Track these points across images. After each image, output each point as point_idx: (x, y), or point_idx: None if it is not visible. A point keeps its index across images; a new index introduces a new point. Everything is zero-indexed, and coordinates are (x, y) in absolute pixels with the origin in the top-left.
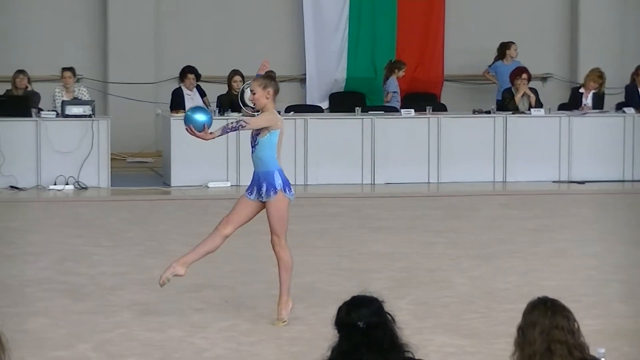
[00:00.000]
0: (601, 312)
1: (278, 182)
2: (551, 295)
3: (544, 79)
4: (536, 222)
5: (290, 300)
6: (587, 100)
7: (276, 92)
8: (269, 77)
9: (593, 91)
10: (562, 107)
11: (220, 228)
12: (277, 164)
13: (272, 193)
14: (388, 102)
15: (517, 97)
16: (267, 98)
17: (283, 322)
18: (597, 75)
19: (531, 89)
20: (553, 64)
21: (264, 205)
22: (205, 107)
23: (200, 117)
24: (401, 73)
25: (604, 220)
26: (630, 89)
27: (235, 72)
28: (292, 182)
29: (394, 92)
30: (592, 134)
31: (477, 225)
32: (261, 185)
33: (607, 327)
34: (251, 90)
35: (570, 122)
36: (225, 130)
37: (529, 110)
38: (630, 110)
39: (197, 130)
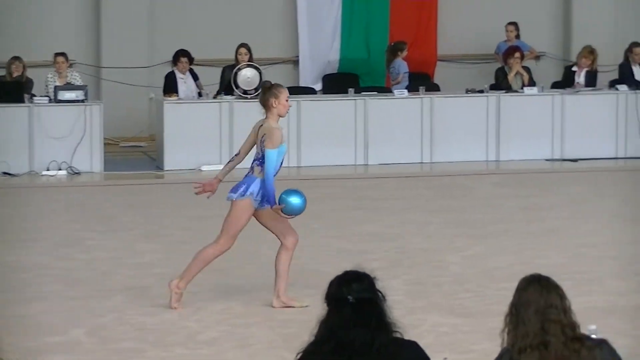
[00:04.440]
0: (595, 289)
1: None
2: (545, 273)
3: (537, 57)
4: (529, 201)
5: None
6: (580, 78)
7: None
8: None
9: (586, 69)
10: (555, 85)
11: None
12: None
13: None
14: (399, 83)
15: (511, 76)
16: None
17: None
18: (588, 52)
19: (524, 67)
20: (546, 43)
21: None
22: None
23: (295, 200)
24: (404, 53)
25: (597, 197)
26: (623, 68)
27: (242, 45)
28: (285, 164)
29: (405, 72)
30: (585, 112)
31: (470, 204)
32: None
33: (600, 303)
34: (287, 99)
35: (563, 100)
36: None
37: (522, 88)
38: (623, 88)
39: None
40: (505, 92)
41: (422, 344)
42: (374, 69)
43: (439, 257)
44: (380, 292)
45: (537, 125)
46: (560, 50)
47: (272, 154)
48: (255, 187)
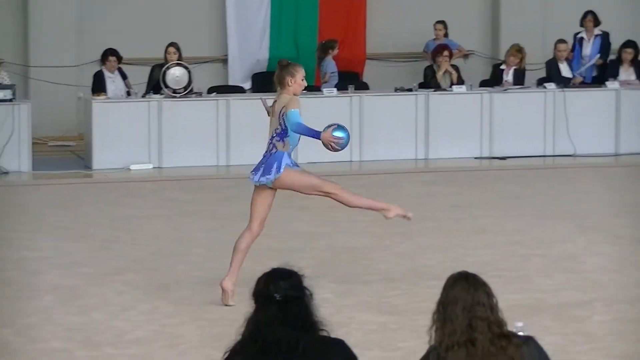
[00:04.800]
0: (523, 287)
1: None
2: (473, 271)
3: (465, 56)
4: (458, 199)
5: None
6: (508, 76)
7: None
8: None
9: (514, 67)
10: (484, 83)
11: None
12: None
13: None
14: (326, 82)
15: (439, 74)
16: None
17: None
18: (516, 50)
19: (453, 65)
20: (475, 41)
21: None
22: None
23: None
24: (335, 51)
25: (525, 195)
26: (550, 64)
27: (171, 44)
28: (212, 162)
29: (332, 72)
30: (513, 110)
31: (399, 202)
32: None
33: (528, 301)
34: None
35: (492, 98)
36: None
37: (451, 87)
38: (550, 86)
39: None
40: (434, 91)
41: (350, 342)
42: (303, 68)
43: (368, 255)
44: (307, 290)
45: (466, 124)
46: (489, 48)
47: (295, 113)
48: (286, 160)
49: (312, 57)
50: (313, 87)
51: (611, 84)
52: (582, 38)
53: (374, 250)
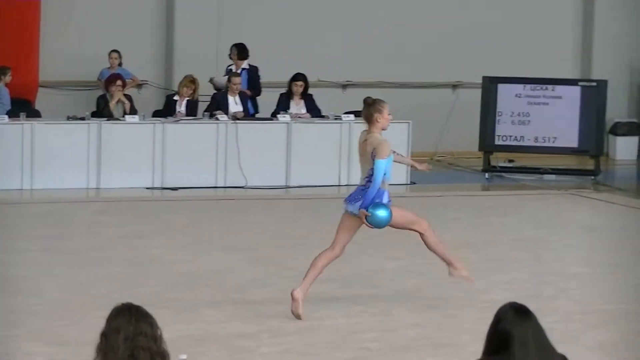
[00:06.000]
0: (190, 318)
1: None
2: (140, 302)
3: (139, 85)
4: (129, 229)
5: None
6: (181, 107)
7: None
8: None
9: (187, 98)
10: (157, 114)
11: None
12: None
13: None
14: None
15: (112, 104)
16: None
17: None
18: (190, 81)
19: (126, 95)
20: (149, 71)
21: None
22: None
23: (382, 213)
24: (8, 78)
25: (196, 226)
26: (215, 98)
27: None
28: None
29: (4, 100)
30: (185, 141)
31: (70, 232)
32: None
33: (195, 332)
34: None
35: (164, 128)
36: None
37: (124, 116)
38: (223, 117)
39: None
40: (107, 120)
41: None
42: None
43: (37, 285)
44: None
45: (138, 154)
46: (163, 78)
47: (381, 164)
48: (385, 199)
49: None
50: None
51: (282, 117)
52: (231, 70)
53: (43, 280)
